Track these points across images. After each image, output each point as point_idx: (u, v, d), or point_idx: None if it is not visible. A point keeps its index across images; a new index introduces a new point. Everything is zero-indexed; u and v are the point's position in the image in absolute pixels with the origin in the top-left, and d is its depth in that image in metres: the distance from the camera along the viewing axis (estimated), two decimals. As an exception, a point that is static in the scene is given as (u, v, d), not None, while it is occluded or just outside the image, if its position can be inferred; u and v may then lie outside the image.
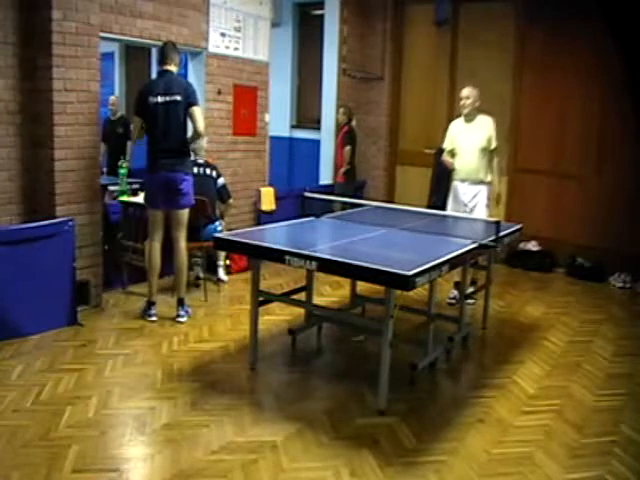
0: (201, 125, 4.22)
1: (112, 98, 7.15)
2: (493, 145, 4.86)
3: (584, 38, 6.03)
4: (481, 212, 4.87)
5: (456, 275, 4.67)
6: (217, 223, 5.09)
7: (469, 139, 4.88)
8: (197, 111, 4.19)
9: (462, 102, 4.89)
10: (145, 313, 4.39)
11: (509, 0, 6.48)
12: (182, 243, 4.37)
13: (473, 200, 4.91)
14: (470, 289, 4.68)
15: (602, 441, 2.98)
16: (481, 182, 4.90)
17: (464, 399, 3.43)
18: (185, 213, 4.33)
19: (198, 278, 5.26)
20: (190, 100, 4.18)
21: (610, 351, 4.20)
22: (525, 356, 4.06)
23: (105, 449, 2.75)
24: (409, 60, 7.35)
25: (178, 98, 4.14)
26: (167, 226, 4.38)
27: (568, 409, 3.31)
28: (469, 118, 4.91)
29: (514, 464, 2.76)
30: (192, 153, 5.14)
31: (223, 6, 5.64)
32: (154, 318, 4.36)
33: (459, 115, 5.03)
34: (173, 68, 4.24)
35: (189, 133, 4.30)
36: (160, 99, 4.14)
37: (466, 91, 4.88)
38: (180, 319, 4.37)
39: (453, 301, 4.99)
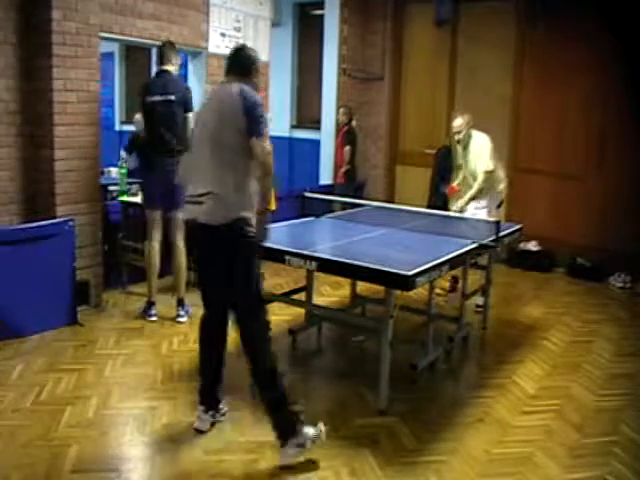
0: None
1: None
2: (480, 168, 4.78)
3: (584, 38, 6.02)
4: (489, 215, 4.85)
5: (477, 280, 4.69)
6: None
7: (465, 166, 4.96)
8: (189, 118, 4.19)
9: (456, 137, 4.86)
10: (145, 313, 4.40)
11: (509, 0, 6.48)
12: (180, 244, 4.36)
13: (476, 210, 4.94)
14: (480, 300, 4.69)
15: (602, 441, 2.98)
16: (483, 197, 4.91)
17: (464, 399, 3.43)
18: (179, 215, 4.31)
19: None
20: (186, 106, 4.20)
21: (610, 351, 4.20)
22: (525, 356, 4.06)
23: (105, 449, 2.75)
24: (409, 60, 7.35)
25: (172, 98, 4.17)
26: (166, 227, 4.39)
27: (568, 409, 3.31)
28: (464, 145, 4.90)
29: (514, 464, 2.76)
30: None
31: (223, 6, 5.64)
32: (154, 318, 4.36)
33: (458, 141, 4.95)
34: (170, 68, 4.27)
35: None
36: (156, 98, 4.19)
37: (456, 124, 4.81)
38: (180, 319, 4.37)
39: (480, 309, 4.76)
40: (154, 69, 8.68)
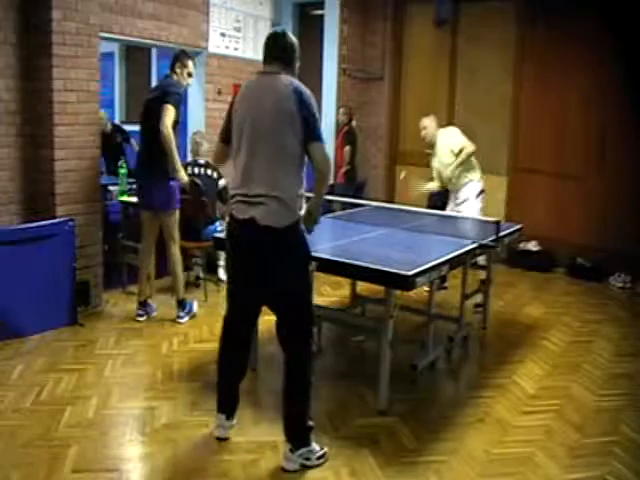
0: (163, 123, 3.98)
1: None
2: (456, 149, 4.97)
3: (584, 37, 6.02)
4: (471, 206, 5.01)
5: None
6: (217, 224, 5.09)
7: (437, 162, 5.15)
8: (164, 108, 3.99)
9: (422, 134, 5.16)
10: (135, 314, 4.41)
11: (509, 0, 6.48)
12: (172, 248, 4.33)
13: (461, 197, 5.10)
14: (479, 299, 4.71)
15: (602, 441, 2.98)
16: (464, 185, 5.08)
17: (464, 399, 3.43)
18: (170, 217, 4.27)
19: (198, 278, 5.26)
20: (165, 99, 4.05)
21: (610, 351, 4.20)
22: (525, 356, 4.06)
23: (105, 449, 2.75)
24: (409, 60, 7.35)
25: (153, 95, 4.16)
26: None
27: (568, 409, 3.31)
28: (432, 145, 5.17)
29: (514, 464, 2.76)
30: (191, 154, 5.13)
31: (223, 6, 5.64)
32: (141, 319, 4.37)
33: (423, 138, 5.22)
34: (172, 74, 4.25)
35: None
36: (145, 97, 4.25)
37: (422, 122, 5.17)
38: (180, 320, 4.37)
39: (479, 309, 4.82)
40: (154, 69, 8.72)
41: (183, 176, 4.28)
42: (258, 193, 2.56)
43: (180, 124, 4.23)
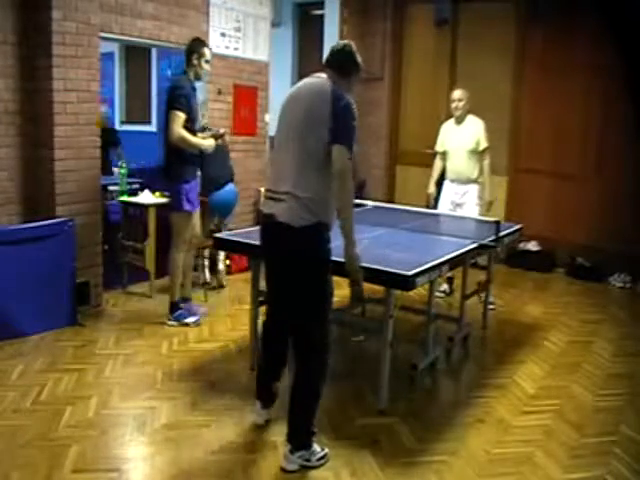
0: (171, 130, 3.96)
1: None
2: (482, 146, 4.90)
3: (585, 38, 6.03)
4: (471, 210, 4.95)
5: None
6: (230, 185, 4.97)
7: (458, 141, 4.99)
8: (170, 115, 3.96)
9: (454, 104, 4.96)
10: (179, 317, 4.33)
11: (509, 0, 6.49)
12: (173, 252, 4.26)
13: (462, 198, 5.01)
14: (491, 298, 4.77)
15: (602, 441, 2.98)
16: (470, 181, 4.98)
17: (464, 399, 3.43)
18: (176, 218, 4.21)
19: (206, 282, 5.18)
20: (172, 105, 4.00)
21: (610, 351, 4.20)
22: (525, 356, 4.06)
23: (105, 449, 2.75)
24: (409, 60, 7.35)
25: (165, 100, 4.11)
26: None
27: (568, 409, 3.31)
28: (459, 120, 5.01)
29: (514, 464, 2.76)
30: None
31: (223, 6, 5.64)
32: (191, 320, 4.34)
33: (450, 117, 5.11)
34: (186, 69, 4.16)
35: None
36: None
37: (458, 93, 4.96)
38: (168, 322, 4.31)
39: (442, 295, 5.16)
40: (154, 69, 8.71)
41: (208, 146, 4.23)
42: (281, 190, 2.60)
43: (194, 121, 4.14)
